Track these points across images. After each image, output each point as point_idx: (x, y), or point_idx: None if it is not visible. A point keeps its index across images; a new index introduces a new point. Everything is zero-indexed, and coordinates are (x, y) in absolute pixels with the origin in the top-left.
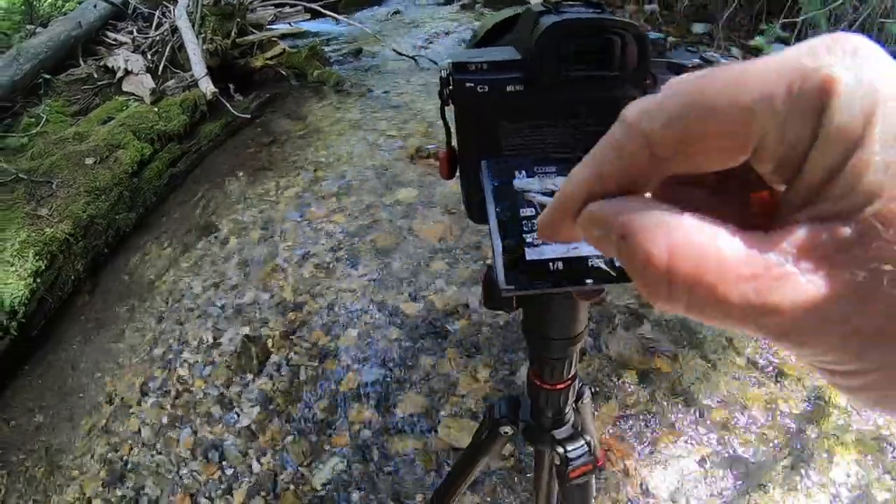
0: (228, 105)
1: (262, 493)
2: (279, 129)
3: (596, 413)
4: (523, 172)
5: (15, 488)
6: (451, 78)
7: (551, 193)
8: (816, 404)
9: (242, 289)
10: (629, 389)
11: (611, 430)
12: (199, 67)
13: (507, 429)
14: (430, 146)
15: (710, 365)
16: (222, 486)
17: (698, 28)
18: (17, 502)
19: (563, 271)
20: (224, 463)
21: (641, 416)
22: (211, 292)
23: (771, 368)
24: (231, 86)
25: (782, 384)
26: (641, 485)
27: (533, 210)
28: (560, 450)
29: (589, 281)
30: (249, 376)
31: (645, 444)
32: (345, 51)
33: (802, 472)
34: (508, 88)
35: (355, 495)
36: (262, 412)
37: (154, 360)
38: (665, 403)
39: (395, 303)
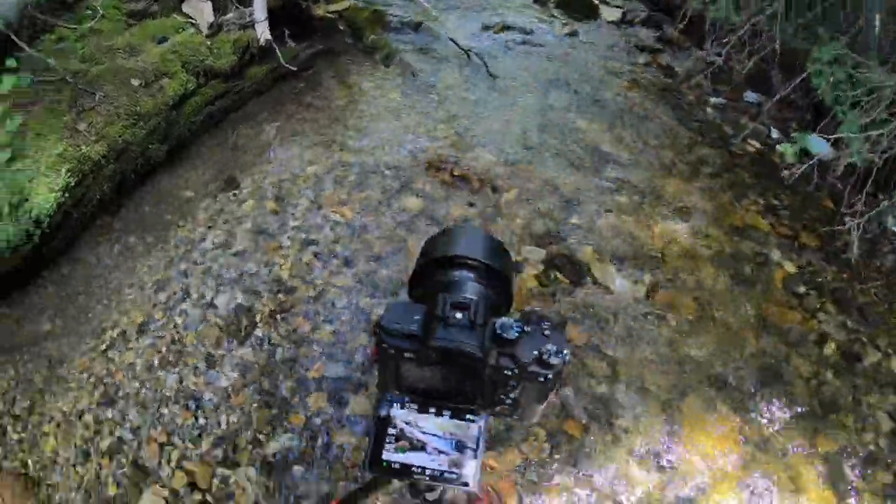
0: (279, 52)
1: (224, 447)
2: (320, 93)
3: (500, 457)
4: (398, 405)
5: (17, 386)
6: (377, 330)
7: (409, 423)
8: (693, 501)
9: (247, 256)
10: (535, 444)
11: (508, 476)
12: (260, 11)
13: None
14: (452, 159)
15: (611, 441)
16: (194, 432)
17: (750, 96)
18: (16, 398)
19: (399, 469)
20: (199, 412)
21: (537, 470)
22: (219, 252)
23: (661, 460)
24: (286, 31)
25: (668, 475)
26: None
27: (395, 430)
28: None
29: (413, 476)
30: (235, 343)
31: (532, 495)
32: (407, 20)
33: None
34: (406, 355)
35: (297, 470)
36: (240, 378)
37: (157, 303)
38: (561, 465)
39: (373, 310)
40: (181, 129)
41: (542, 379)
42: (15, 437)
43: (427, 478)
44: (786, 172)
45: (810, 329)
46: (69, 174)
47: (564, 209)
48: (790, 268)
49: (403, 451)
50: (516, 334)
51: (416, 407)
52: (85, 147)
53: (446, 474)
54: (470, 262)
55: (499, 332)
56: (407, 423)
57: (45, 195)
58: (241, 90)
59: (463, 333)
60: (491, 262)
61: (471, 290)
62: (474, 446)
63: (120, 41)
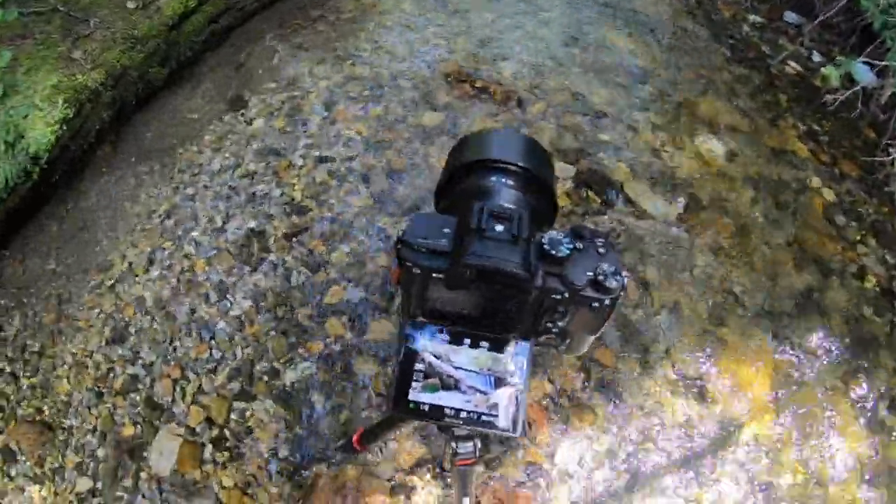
0: None
1: (240, 379)
2: (328, 6)
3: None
4: (426, 335)
5: (25, 330)
6: (398, 247)
7: (439, 356)
8: (726, 434)
9: (257, 178)
10: (564, 371)
11: (536, 405)
12: None
13: None
14: (472, 71)
15: (645, 369)
16: (209, 366)
17: (790, 17)
18: (26, 343)
19: (429, 411)
20: (213, 343)
21: (568, 398)
22: (228, 174)
23: (696, 389)
24: None
25: (703, 405)
26: (549, 455)
27: (423, 366)
28: (453, 444)
29: (444, 419)
30: (247, 269)
31: (563, 423)
32: None
33: (686, 486)
34: (434, 275)
35: (316, 399)
36: (253, 306)
37: (165, 231)
38: (593, 393)
39: (391, 230)
40: (182, 50)
41: (596, 305)
42: (27, 382)
43: (461, 422)
44: (828, 97)
45: (850, 261)
46: (66, 105)
47: (594, 124)
48: (830, 196)
49: (433, 389)
50: (567, 251)
51: (447, 338)
52: (81, 76)
53: (484, 417)
54: (508, 166)
55: (547, 248)
56: (437, 357)
57: (41, 130)
58: (244, 6)
59: (504, 249)
60: (532, 167)
61: (509, 198)
62: (517, 383)
63: None
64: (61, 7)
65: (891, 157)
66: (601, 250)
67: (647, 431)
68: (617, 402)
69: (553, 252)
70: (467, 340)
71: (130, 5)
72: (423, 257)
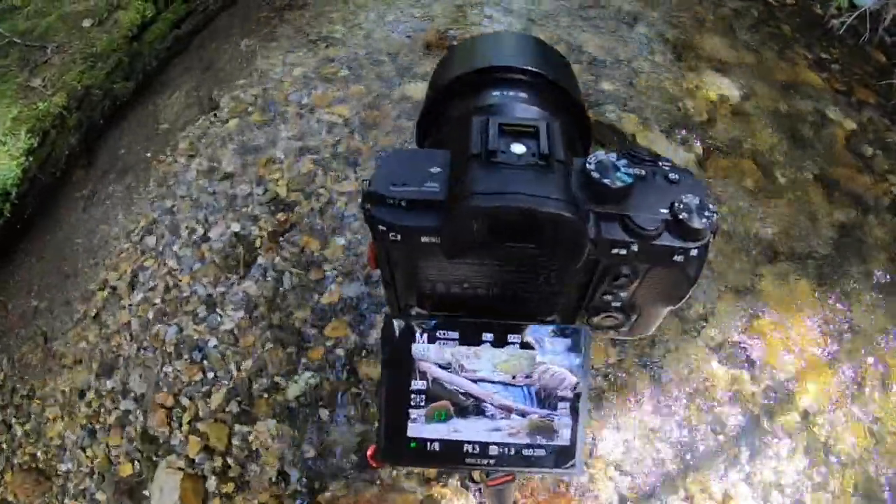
0: None
1: (239, 399)
2: None
3: None
4: (424, 337)
5: (14, 375)
6: (366, 206)
7: (447, 365)
8: (780, 399)
9: (237, 179)
10: (598, 345)
11: None
12: None
13: None
14: (454, 34)
15: (685, 335)
16: (203, 389)
17: None
18: (15, 387)
19: (440, 452)
20: (206, 364)
21: (603, 376)
22: (204, 180)
23: (742, 352)
24: None
25: (752, 370)
26: (590, 446)
27: (424, 383)
28: None
29: (466, 462)
30: (235, 277)
31: (601, 407)
32: None
33: (743, 462)
34: (423, 240)
35: (323, 413)
36: (245, 317)
37: (145, 249)
38: (631, 368)
39: None
40: (147, 61)
41: (679, 258)
42: (20, 429)
43: (492, 461)
44: (834, 22)
45: (883, 192)
46: (29, 135)
47: (594, 74)
48: (851, 126)
49: (443, 417)
50: (629, 179)
51: (456, 336)
52: (42, 103)
53: (526, 451)
54: (515, 74)
55: (596, 176)
56: (444, 368)
57: (7, 164)
58: (206, 7)
59: (530, 178)
60: (547, 72)
61: (525, 113)
62: (569, 393)
63: None
64: (17, 39)
65: None
66: (672, 175)
67: (696, 407)
68: (659, 375)
69: (606, 182)
70: (488, 336)
71: (86, 24)
72: (404, 214)
